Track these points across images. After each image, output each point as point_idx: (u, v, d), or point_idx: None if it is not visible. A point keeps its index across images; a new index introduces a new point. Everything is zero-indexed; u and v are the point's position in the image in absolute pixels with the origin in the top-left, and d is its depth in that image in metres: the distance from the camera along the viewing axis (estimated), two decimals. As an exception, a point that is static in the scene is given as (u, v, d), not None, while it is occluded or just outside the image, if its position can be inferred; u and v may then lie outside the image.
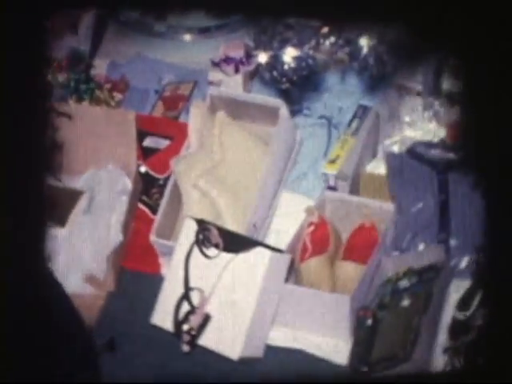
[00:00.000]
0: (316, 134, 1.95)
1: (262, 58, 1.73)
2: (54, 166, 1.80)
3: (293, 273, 1.72)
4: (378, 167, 1.89)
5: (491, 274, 1.40)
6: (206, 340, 1.59)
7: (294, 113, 1.94)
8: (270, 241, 1.78)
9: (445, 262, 1.66)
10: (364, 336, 1.59)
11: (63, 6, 1.74)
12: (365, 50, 1.66)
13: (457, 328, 1.59)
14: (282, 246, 1.70)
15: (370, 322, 1.59)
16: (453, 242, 1.73)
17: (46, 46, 1.46)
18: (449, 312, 1.63)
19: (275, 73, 1.71)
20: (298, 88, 1.83)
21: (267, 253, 1.61)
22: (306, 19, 1.69)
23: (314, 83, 1.99)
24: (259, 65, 1.74)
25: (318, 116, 1.98)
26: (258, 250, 1.62)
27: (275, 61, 1.71)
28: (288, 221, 1.82)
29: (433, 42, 1.58)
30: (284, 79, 1.71)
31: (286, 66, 1.70)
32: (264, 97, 1.91)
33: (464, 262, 1.71)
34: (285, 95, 1.88)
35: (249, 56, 1.96)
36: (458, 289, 1.67)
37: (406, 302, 1.61)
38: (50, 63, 1.94)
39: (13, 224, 1.34)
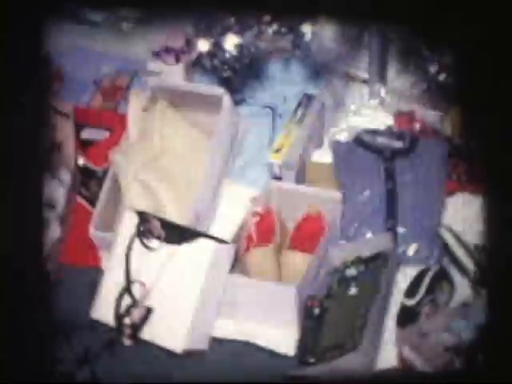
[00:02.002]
0: (260, 123, 1.93)
1: (203, 45, 1.70)
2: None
3: (238, 263, 1.68)
4: (323, 156, 1.86)
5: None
6: (149, 333, 1.56)
7: (237, 102, 1.91)
8: (215, 231, 1.75)
9: (392, 250, 1.65)
10: (311, 326, 1.57)
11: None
12: (307, 37, 1.64)
13: (404, 315, 1.58)
14: (227, 236, 1.67)
15: (317, 311, 1.58)
16: (400, 230, 1.71)
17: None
18: (396, 299, 1.61)
19: (216, 61, 1.69)
20: (240, 76, 1.80)
21: (211, 243, 1.58)
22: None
23: (257, 71, 1.96)
24: (200, 53, 1.70)
25: (261, 105, 1.95)
26: (202, 240, 1.59)
27: (216, 49, 1.68)
28: (233, 211, 1.79)
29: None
30: (225, 67, 1.69)
31: (227, 54, 1.68)
32: (206, 86, 1.88)
33: (411, 250, 1.70)
34: (227, 84, 1.84)
35: (189, 45, 1.92)
36: (405, 276, 1.66)
37: (353, 291, 1.59)
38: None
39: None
